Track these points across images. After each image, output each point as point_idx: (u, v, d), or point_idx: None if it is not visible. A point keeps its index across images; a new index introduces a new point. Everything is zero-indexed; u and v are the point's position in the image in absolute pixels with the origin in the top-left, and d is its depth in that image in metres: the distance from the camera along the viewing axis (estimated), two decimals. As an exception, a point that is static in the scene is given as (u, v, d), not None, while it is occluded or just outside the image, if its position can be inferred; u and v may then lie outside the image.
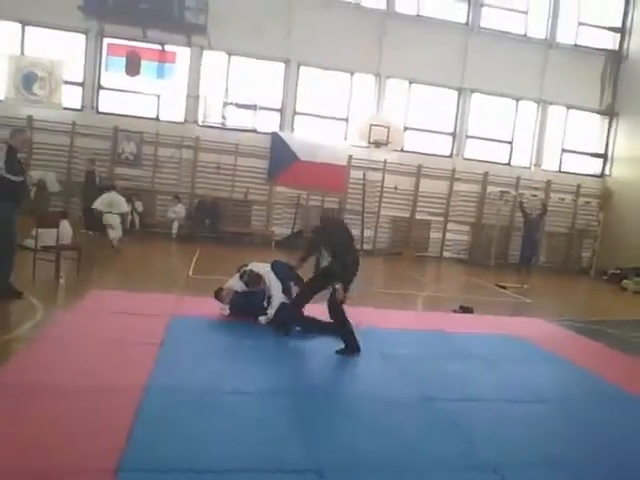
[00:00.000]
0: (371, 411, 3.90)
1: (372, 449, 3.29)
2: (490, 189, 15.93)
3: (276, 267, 6.20)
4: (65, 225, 8.65)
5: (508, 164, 16.29)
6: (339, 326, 5.30)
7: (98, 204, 10.86)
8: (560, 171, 16.55)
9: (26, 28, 13.58)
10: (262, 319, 5.84)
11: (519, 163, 16.32)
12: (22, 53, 13.58)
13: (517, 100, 16.10)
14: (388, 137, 14.62)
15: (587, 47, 16.17)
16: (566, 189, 16.28)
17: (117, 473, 2.72)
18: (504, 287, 11.04)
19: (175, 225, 13.88)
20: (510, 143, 16.33)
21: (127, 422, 3.25)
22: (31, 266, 7.08)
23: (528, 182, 16.11)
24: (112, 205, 10.90)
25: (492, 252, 15.10)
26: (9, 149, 6.12)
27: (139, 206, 13.76)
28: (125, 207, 11.35)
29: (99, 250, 10.09)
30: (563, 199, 16.24)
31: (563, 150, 16.63)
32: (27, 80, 13.28)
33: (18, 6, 13.07)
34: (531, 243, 13.84)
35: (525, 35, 15.87)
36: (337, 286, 5.10)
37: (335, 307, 5.24)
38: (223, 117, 14.40)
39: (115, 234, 10.88)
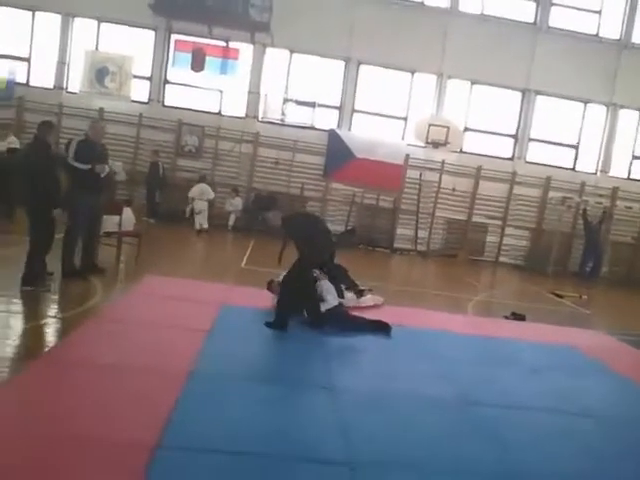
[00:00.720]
0: (409, 410, 3.90)
1: (406, 447, 3.31)
2: (552, 194, 15.39)
3: (334, 267, 6.34)
4: (128, 213, 9.06)
5: (572, 169, 15.67)
6: (278, 302, 5.53)
7: (192, 192, 13.20)
8: (629, 178, 15.77)
9: (101, 25, 14.28)
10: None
11: (584, 168, 15.67)
12: (97, 49, 14.28)
13: (585, 103, 15.46)
14: (447, 137, 14.41)
15: (665, 49, 15.31)
16: (634, 197, 15.49)
17: (156, 449, 2.87)
18: (561, 296, 10.67)
19: (232, 217, 14.22)
20: (575, 147, 15.70)
21: (170, 403, 3.41)
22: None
23: (593, 188, 15.46)
24: (203, 193, 13.21)
25: (551, 259, 14.58)
26: (84, 140, 6.60)
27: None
28: (212, 194, 13.41)
29: (158, 237, 10.50)
30: (630, 207, 15.47)
31: (634, 156, 15.83)
32: (100, 74, 13.95)
33: (95, 4, 13.75)
34: (592, 252, 13.32)
35: (597, 35, 15.20)
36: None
37: (286, 285, 5.46)
38: (283, 113, 14.60)
39: (202, 220, 12.93)
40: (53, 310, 5.46)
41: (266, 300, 6.26)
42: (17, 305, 5.48)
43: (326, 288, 5.90)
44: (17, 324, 4.92)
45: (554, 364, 5.59)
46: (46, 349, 4.12)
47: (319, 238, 5.62)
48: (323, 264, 5.70)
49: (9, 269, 6.51)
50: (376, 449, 3.22)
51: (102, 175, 6.67)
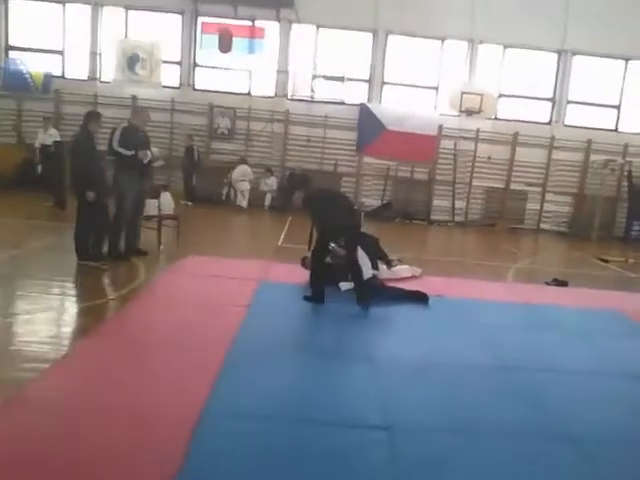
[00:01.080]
0: (450, 377, 3.92)
1: (443, 411, 3.35)
2: (594, 157, 14.86)
3: (365, 239, 6.30)
4: (166, 196, 9.25)
5: (615, 130, 15.07)
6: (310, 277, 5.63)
7: (235, 174, 13.80)
8: (677, 136, 15.08)
9: (129, 12, 14.44)
10: (343, 285, 5.97)
11: (627, 129, 15.04)
12: (126, 37, 14.47)
13: (626, 60, 14.77)
14: (481, 105, 14.07)
15: None
16: (683, 156, 14.84)
17: (200, 417, 2.98)
18: (606, 261, 10.38)
19: (268, 197, 14.34)
20: (617, 107, 15.07)
21: (213, 375, 3.53)
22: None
23: (638, 149, 14.85)
24: (245, 175, 13.83)
25: (595, 224, 14.16)
26: (127, 126, 6.85)
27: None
28: (252, 175, 13.99)
29: (197, 219, 10.72)
30: (678, 166, 14.83)
31: (681, 113, 15.11)
32: (131, 61, 14.15)
33: (123, -8, 13.91)
34: (637, 215, 12.93)
35: (638, -14, 14.44)
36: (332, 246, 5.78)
37: (313, 260, 5.58)
38: (312, 90, 14.53)
39: (243, 200, 13.86)
40: (102, 291, 5.68)
41: (302, 276, 6.33)
42: (69, 288, 5.75)
43: (360, 259, 5.93)
44: (70, 305, 5.17)
45: (598, 329, 5.50)
46: (96, 328, 4.30)
47: (336, 212, 5.54)
48: (347, 236, 5.66)
49: (62, 256, 6.80)
50: (416, 415, 3.27)
51: (145, 161, 6.88)
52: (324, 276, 5.64)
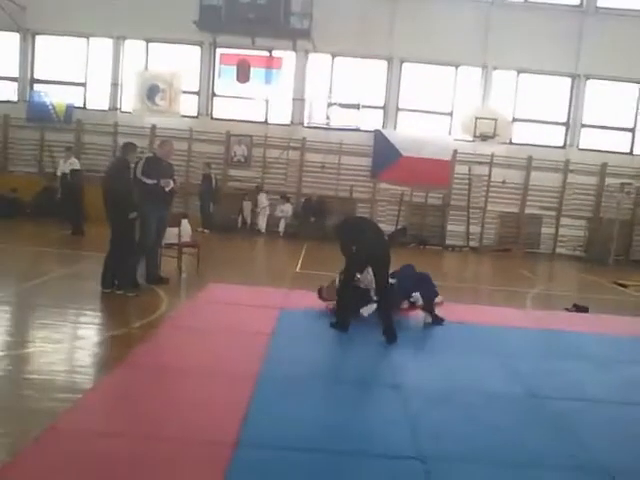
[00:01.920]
0: (476, 404, 3.92)
1: (476, 441, 3.34)
2: (609, 181, 14.86)
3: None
4: (185, 224, 9.40)
5: (630, 153, 15.09)
6: (337, 304, 5.74)
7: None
8: (692, 159, 15.04)
9: (149, 45, 14.87)
10: (364, 310, 5.99)
11: (643, 152, 15.06)
12: (146, 68, 14.88)
13: (639, 84, 14.86)
14: (495, 129, 14.20)
15: None
16: (698, 178, 14.77)
17: (236, 446, 3.03)
18: (625, 285, 10.31)
19: (282, 223, 14.49)
20: (632, 130, 15.11)
21: (244, 404, 3.57)
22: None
23: (654, 172, 14.83)
24: (262, 202, 14.50)
25: (611, 248, 14.07)
26: (152, 157, 7.19)
27: (248, 206, 14.57)
28: (266, 203, 14.58)
29: (215, 247, 10.84)
30: (694, 189, 14.76)
31: (696, 136, 15.09)
32: (151, 92, 14.53)
33: (143, 25, 14.32)
34: None
35: (648, 12, 14.59)
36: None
37: (341, 289, 5.66)
38: (327, 117, 14.77)
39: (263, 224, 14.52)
40: (128, 320, 5.76)
41: (322, 303, 6.38)
42: (94, 317, 5.84)
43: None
44: (97, 334, 5.24)
45: (623, 356, 5.46)
46: (124, 356, 4.38)
47: (366, 241, 5.54)
48: (376, 266, 5.67)
49: (85, 284, 6.93)
50: (446, 444, 3.27)
51: (167, 189, 7.03)
52: (351, 305, 5.68)
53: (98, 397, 3.67)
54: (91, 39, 14.82)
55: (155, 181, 6.87)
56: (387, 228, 14.93)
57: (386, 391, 4.07)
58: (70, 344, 4.89)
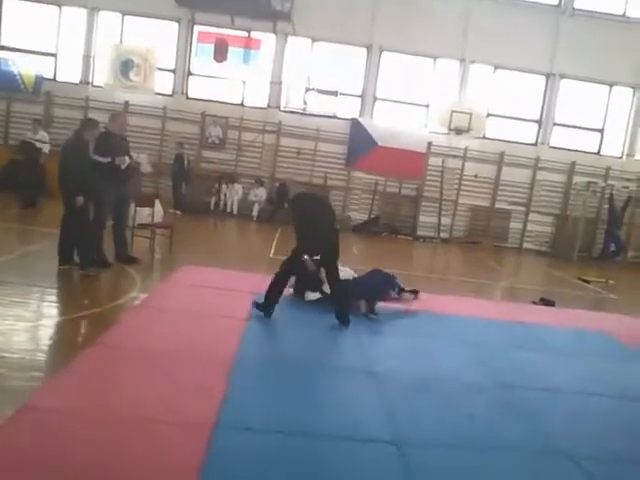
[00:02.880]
0: (448, 393, 4.02)
1: (448, 427, 3.44)
2: (577, 179, 15.26)
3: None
4: (157, 205, 9.27)
5: (598, 153, 15.50)
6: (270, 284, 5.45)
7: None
8: (656, 161, 15.56)
9: (125, 18, 14.46)
10: (308, 295, 6.11)
11: (609, 152, 15.49)
12: (121, 42, 14.47)
13: (610, 86, 15.24)
14: (470, 124, 14.37)
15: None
16: (662, 181, 15.31)
17: (215, 428, 3.03)
18: (587, 281, 10.64)
19: (256, 208, 14.40)
20: (600, 131, 15.51)
21: (221, 387, 3.57)
22: (130, 242, 7.68)
23: (619, 173, 15.28)
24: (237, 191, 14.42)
25: (576, 245, 14.50)
26: (103, 133, 6.78)
27: (222, 188, 14.43)
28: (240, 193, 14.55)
29: (188, 228, 10.71)
30: (657, 191, 15.29)
31: (660, 139, 15.60)
32: (125, 67, 14.14)
33: (120, -3, 13.93)
34: (613, 235, 13.41)
35: (624, 15, 14.93)
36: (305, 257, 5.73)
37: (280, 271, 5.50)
38: (305, 103, 14.68)
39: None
40: (97, 301, 5.65)
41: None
42: (67, 297, 5.71)
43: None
44: (69, 314, 5.13)
45: (587, 349, 5.66)
46: (96, 337, 4.31)
47: (314, 230, 5.40)
48: (323, 255, 5.58)
49: (42, 263, 6.72)
50: (420, 430, 3.35)
51: (123, 167, 6.73)
52: (282, 287, 5.46)
53: (72, 376, 3.60)
54: (63, 8, 14.30)
55: (110, 159, 6.60)
56: (360, 217, 15.06)
57: (361, 377, 4.13)
58: (41, 323, 4.79)
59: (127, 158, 6.84)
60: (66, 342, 4.43)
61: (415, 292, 6.78)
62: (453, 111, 14.43)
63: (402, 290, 6.65)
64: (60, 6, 14.25)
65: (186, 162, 13.93)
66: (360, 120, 14.75)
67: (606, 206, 14.94)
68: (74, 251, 6.41)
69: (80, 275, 6.25)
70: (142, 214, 8.47)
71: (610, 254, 14.57)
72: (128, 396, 3.35)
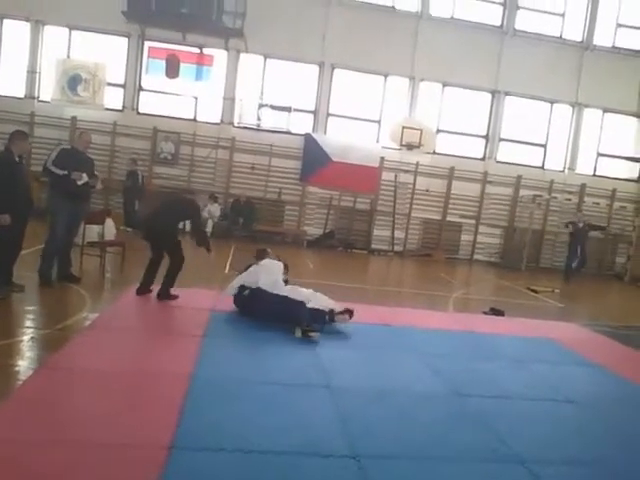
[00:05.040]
0: (404, 404, 4.07)
1: (405, 438, 3.48)
2: (523, 192, 15.87)
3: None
4: (109, 222, 9.07)
5: (541, 167, 16.19)
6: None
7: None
8: (595, 175, 16.35)
9: (72, 32, 14.18)
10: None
11: (553, 166, 16.21)
12: (68, 56, 14.17)
13: (552, 103, 15.99)
14: (420, 140, 14.75)
15: (626, 49, 15.88)
16: (601, 193, 16.10)
17: (171, 449, 2.97)
18: (535, 291, 11.03)
19: (210, 224, 14.24)
20: (544, 146, 16.22)
21: (176, 406, 3.50)
22: (79, 260, 7.47)
23: (562, 185, 16.00)
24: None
25: (524, 256, 15.04)
26: (68, 148, 6.80)
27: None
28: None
29: (139, 246, 10.46)
30: (598, 203, 16.07)
31: (598, 154, 16.43)
32: (72, 82, 13.85)
33: (66, 12, 13.65)
34: (576, 252, 13.70)
35: (561, 37, 15.75)
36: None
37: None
38: (258, 118, 14.73)
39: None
40: (44, 322, 5.45)
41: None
42: (3, 317, 5.48)
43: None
44: (9, 336, 4.92)
45: (535, 356, 5.85)
46: (45, 359, 4.15)
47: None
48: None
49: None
50: (378, 442, 3.38)
51: (79, 182, 6.61)
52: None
53: (19, 403, 3.45)
54: (5, 21, 13.90)
55: (65, 172, 6.49)
56: (315, 231, 15.15)
57: (317, 391, 4.13)
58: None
59: (84, 175, 6.69)
60: (13, 366, 4.24)
61: (349, 311, 5.92)
62: (404, 127, 14.79)
63: (333, 314, 5.89)
64: (1, 19, 13.85)
65: (140, 179, 13.67)
66: (314, 136, 14.91)
67: (551, 218, 15.48)
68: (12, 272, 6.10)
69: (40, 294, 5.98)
70: (92, 232, 8.27)
71: (573, 268, 14.60)
72: (81, 421, 3.23)
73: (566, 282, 12.86)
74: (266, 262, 6.25)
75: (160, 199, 6.86)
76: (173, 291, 6.37)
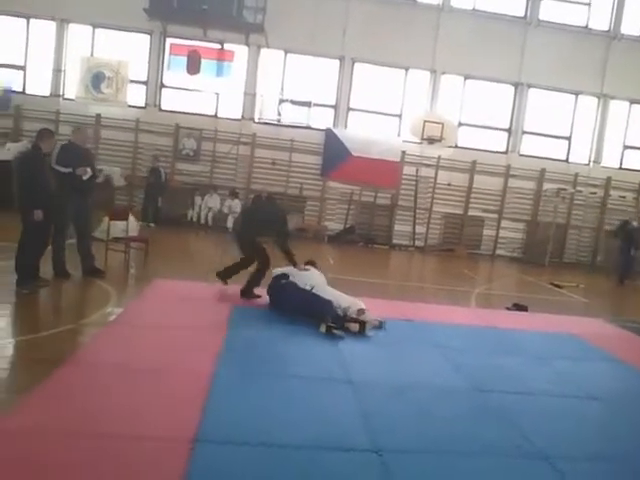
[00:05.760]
0: (426, 399, 4.06)
1: (428, 434, 3.47)
2: (546, 186, 15.63)
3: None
4: (130, 218, 9.19)
5: (566, 161, 15.92)
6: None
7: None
8: (621, 168, 16.02)
9: (96, 30, 14.37)
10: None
11: (577, 160, 15.92)
12: (92, 54, 14.37)
13: (576, 95, 15.70)
14: (442, 133, 14.62)
15: (654, 38, 15.49)
16: (627, 186, 15.78)
17: (195, 442, 3.02)
18: (559, 286, 10.88)
19: (230, 219, 14.33)
20: (568, 139, 15.94)
21: (200, 399, 3.55)
22: (104, 256, 7.60)
23: (586, 179, 15.71)
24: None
25: (547, 250, 14.82)
26: (66, 144, 6.84)
27: (198, 201, 14.36)
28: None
29: (163, 241, 10.62)
30: (624, 197, 15.74)
31: (625, 146, 16.09)
32: (96, 80, 14.05)
33: (89, 10, 13.82)
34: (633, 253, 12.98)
35: (586, 27, 15.44)
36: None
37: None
38: (279, 114, 14.75)
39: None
40: (71, 317, 5.56)
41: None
42: (40, 312, 5.60)
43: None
44: (35, 330, 5.03)
45: (558, 352, 5.77)
46: (71, 354, 4.24)
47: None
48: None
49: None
50: (400, 436, 3.38)
51: (84, 178, 6.74)
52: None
53: (46, 396, 3.53)
54: (32, 20, 14.15)
55: (70, 169, 6.62)
56: (336, 226, 15.15)
57: (340, 386, 4.14)
58: (12, 340, 4.69)
59: (89, 169, 6.82)
60: (41, 360, 4.34)
61: (362, 323, 5.63)
62: (425, 121, 14.67)
63: (345, 319, 5.70)
64: (28, 18, 14.10)
65: (163, 175, 13.83)
66: (334, 130, 14.88)
67: (575, 212, 15.20)
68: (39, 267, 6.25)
69: (63, 290, 6.11)
70: (116, 228, 8.40)
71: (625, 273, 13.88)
72: (106, 413, 3.30)
73: (620, 284, 12.56)
74: (315, 271, 6.46)
75: (249, 208, 7.09)
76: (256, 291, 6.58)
